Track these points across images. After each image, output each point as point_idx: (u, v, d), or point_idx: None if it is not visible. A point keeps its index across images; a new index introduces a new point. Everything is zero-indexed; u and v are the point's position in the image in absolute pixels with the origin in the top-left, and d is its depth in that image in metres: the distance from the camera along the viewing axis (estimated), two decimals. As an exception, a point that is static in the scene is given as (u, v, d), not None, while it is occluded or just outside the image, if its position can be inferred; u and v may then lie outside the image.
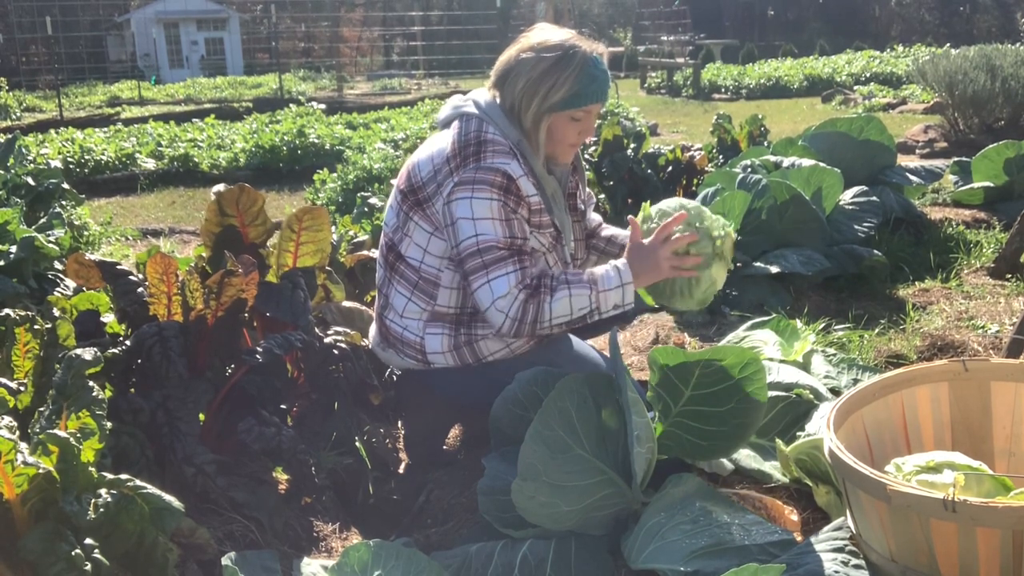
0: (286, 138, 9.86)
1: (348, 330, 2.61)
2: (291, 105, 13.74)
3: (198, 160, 9.79)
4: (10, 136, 6.00)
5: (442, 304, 2.35)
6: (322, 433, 2.43)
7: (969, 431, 1.94)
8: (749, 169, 4.36)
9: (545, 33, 2.31)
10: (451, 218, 2.23)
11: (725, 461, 2.16)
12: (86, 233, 5.37)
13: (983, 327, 3.21)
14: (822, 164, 4.30)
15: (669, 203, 2.37)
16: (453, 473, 2.46)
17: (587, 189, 2.65)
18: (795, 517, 1.95)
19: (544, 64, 2.24)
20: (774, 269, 3.72)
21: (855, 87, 16.83)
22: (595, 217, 2.69)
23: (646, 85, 21.80)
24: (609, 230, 2.66)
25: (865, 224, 4.18)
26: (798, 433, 2.19)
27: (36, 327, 2.00)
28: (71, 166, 9.12)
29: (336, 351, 2.47)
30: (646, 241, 2.27)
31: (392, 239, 2.41)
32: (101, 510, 1.55)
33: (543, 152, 2.32)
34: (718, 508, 1.85)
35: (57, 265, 3.90)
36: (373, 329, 2.55)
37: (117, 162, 9.67)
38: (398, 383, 2.70)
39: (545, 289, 2.19)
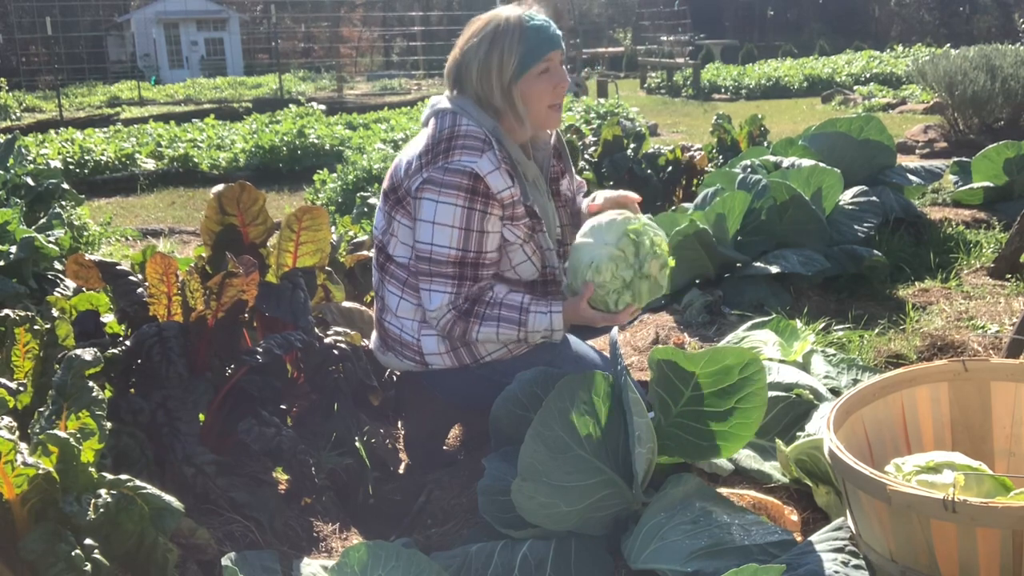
0: (286, 138, 9.87)
1: (348, 330, 2.61)
2: (291, 105, 13.75)
3: (198, 160, 9.79)
4: (10, 136, 6.00)
5: None
6: (322, 433, 2.42)
7: (969, 431, 1.94)
8: (749, 169, 4.36)
9: (474, 22, 2.35)
10: (415, 214, 2.28)
11: (725, 461, 2.16)
12: (86, 233, 5.37)
13: (983, 327, 3.21)
14: (822, 164, 4.29)
15: (606, 216, 2.27)
16: (453, 473, 2.46)
17: (577, 177, 2.64)
18: (795, 517, 1.95)
19: (485, 42, 2.28)
20: (774, 269, 3.72)
21: (855, 87, 16.85)
22: (584, 202, 2.67)
23: (646, 85, 21.81)
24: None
25: (865, 224, 4.17)
26: (798, 433, 2.19)
27: (36, 327, 2.00)
28: (71, 166, 9.12)
29: (336, 351, 2.47)
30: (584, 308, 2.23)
31: (381, 241, 2.44)
32: (101, 510, 1.55)
33: (529, 125, 2.31)
34: (718, 508, 1.85)
35: (57, 265, 3.91)
36: (373, 334, 2.57)
37: (117, 162, 9.67)
38: (398, 384, 2.70)
39: (475, 318, 2.26)
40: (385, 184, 2.42)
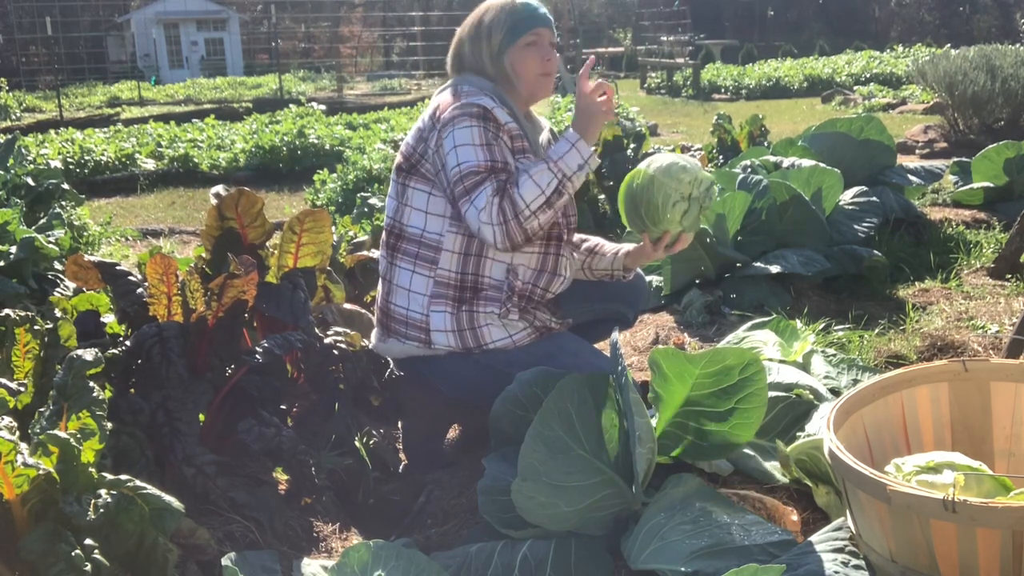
0: (286, 138, 9.85)
1: (348, 330, 2.61)
2: (291, 105, 13.73)
3: (198, 160, 9.79)
4: (10, 136, 6.00)
5: (444, 268, 2.38)
6: (322, 433, 2.42)
7: (969, 431, 1.94)
8: (749, 169, 4.36)
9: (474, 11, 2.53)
10: (441, 159, 2.34)
11: (725, 461, 2.16)
12: (86, 233, 5.36)
13: (983, 327, 3.21)
14: (822, 164, 4.30)
15: (662, 158, 2.43)
16: (453, 474, 2.46)
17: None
18: (795, 517, 1.95)
19: (476, 19, 2.48)
20: (774, 269, 3.72)
21: (855, 87, 16.83)
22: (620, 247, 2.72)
23: (646, 85, 21.80)
24: (589, 242, 2.71)
25: (865, 224, 4.17)
26: (798, 433, 2.19)
27: (36, 327, 2.00)
28: (71, 166, 9.11)
29: (336, 351, 2.47)
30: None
31: (393, 221, 2.48)
32: (101, 511, 1.55)
33: (523, 91, 2.45)
34: (718, 508, 1.85)
35: (57, 265, 3.91)
36: (373, 331, 2.57)
37: (117, 162, 9.67)
38: (397, 383, 2.70)
39: (510, 184, 2.28)
40: (397, 161, 2.49)
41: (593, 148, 2.33)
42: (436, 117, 2.38)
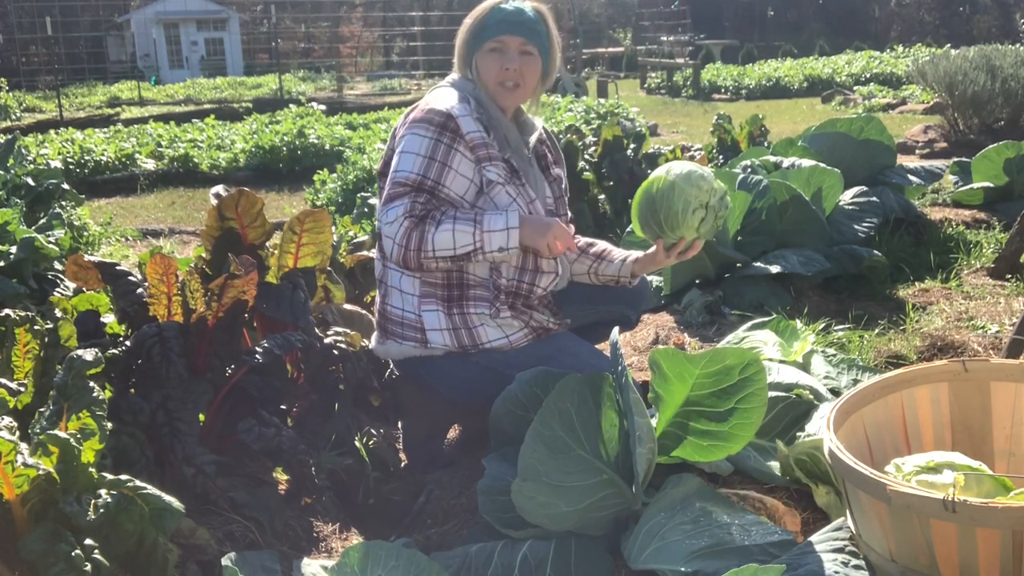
0: (286, 138, 9.85)
1: (348, 330, 2.61)
2: (291, 105, 13.72)
3: (198, 160, 9.79)
4: (10, 136, 6.00)
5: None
6: (322, 433, 2.42)
7: (969, 431, 1.94)
8: (749, 169, 4.36)
9: None
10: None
11: (725, 461, 2.16)
12: (86, 233, 5.37)
13: (983, 327, 3.21)
14: (822, 164, 4.30)
15: (681, 166, 2.44)
16: (453, 474, 2.46)
17: (565, 178, 2.68)
18: (795, 517, 1.95)
19: (463, 26, 2.48)
20: (774, 269, 3.72)
21: (855, 87, 16.85)
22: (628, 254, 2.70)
23: (646, 85, 21.81)
24: (596, 247, 2.69)
25: (865, 224, 4.18)
26: (798, 433, 2.19)
27: (36, 327, 2.00)
28: (71, 166, 9.11)
29: (336, 351, 2.47)
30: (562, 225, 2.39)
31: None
32: (101, 511, 1.55)
33: (486, 96, 2.43)
34: (718, 508, 1.85)
35: (57, 265, 3.91)
36: (374, 333, 2.58)
37: (117, 162, 9.67)
38: (396, 384, 2.70)
39: (431, 220, 2.28)
40: (379, 165, 2.50)
41: (516, 246, 2.29)
42: (407, 118, 2.41)
